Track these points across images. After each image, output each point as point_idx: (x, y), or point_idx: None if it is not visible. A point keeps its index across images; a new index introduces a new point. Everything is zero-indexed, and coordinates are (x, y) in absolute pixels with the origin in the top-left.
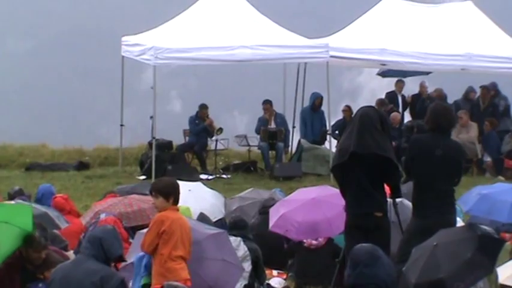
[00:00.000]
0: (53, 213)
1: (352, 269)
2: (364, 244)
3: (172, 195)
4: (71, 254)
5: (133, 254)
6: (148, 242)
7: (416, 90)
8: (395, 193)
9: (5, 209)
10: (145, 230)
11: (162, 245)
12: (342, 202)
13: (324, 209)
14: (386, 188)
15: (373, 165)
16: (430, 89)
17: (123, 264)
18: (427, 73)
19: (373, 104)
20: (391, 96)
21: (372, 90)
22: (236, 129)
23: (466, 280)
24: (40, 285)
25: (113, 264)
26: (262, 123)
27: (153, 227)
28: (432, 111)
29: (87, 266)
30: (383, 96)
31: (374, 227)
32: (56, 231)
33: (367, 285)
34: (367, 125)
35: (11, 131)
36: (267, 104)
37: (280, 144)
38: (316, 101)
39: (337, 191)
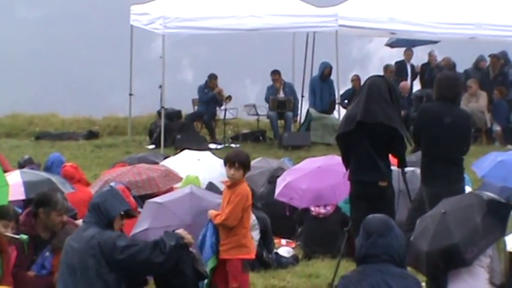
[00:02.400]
0: (58, 180)
1: (365, 239)
2: (377, 214)
3: (249, 168)
4: (80, 222)
5: (143, 223)
6: (235, 216)
7: (425, 59)
8: (401, 163)
9: None
10: (155, 199)
11: (246, 219)
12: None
13: (328, 178)
14: (394, 159)
15: (379, 135)
16: (440, 58)
17: (133, 233)
18: (436, 42)
19: (382, 71)
20: (400, 66)
21: (381, 59)
22: (247, 98)
23: (479, 244)
24: (47, 253)
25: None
26: (271, 92)
27: (240, 202)
28: (438, 80)
29: (87, 234)
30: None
31: (378, 197)
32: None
33: (380, 255)
34: (375, 94)
35: (21, 100)
36: (276, 74)
37: (289, 114)
38: (325, 71)
39: None
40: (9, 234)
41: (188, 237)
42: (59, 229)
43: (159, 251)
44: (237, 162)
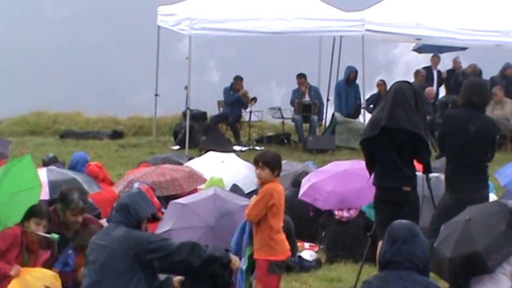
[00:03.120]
0: (84, 179)
1: (390, 245)
2: (402, 221)
3: (277, 168)
4: (104, 222)
5: (166, 224)
6: (256, 213)
7: (450, 65)
8: (426, 169)
9: (8, 179)
10: (179, 200)
11: (272, 218)
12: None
13: (352, 181)
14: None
15: (403, 141)
16: (466, 65)
17: (156, 232)
18: (464, 49)
19: (411, 76)
20: (427, 71)
21: (407, 63)
22: (272, 101)
23: (502, 252)
24: (70, 251)
25: (146, 226)
26: (297, 96)
27: (263, 199)
28: (466, 86)
29: (117, 232)
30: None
31: (402, 202)
32: (88, 199)
33: (403, 262)
34: (400, 99)
35: (46, 98)
36: (302, 77)
37: (314, 117)
38: (351, 75)
39: None
40: (40, 233)
41: (236, 263)
42: (76, 228)
43: (197, 254)
44: (260, 162)
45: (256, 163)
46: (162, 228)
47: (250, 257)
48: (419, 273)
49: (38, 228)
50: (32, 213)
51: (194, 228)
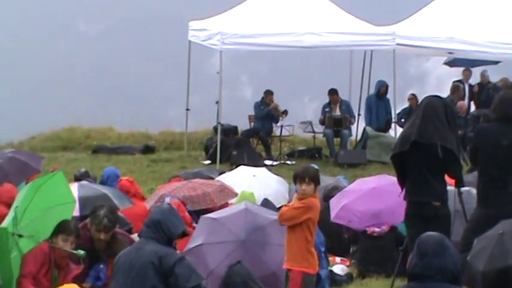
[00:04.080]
0: (114, 194)
1: (420, 258)
2: (432, 233)
3: (319, 183)
4: (135, 236)
5: (197, 238)
6: (290, 216)
7: (478, 79)
8: (458, 183)
9: (40, 195)
10: (210, 214)
11: (308, 231)
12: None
13: (385, 198)
14: (451, 179)
15: (434, 155)
16: (498, 78)
17: (187, 248)
18: (496, 62)
19: (443, 90)
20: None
21: (439, 77)
22: (305, 115)
23: None
24: (101, 266)
25: (176, 242)
26: (327, 110)
27: (303, 208)
28: (500, 100)
29: (148, 248)
30: (450, 84)
31: (433, 216)
32: (120, 214)
33: (433, 275)
34: (431, 114)
35: (78, 113)
36: (334, 94)
37: (345, 131)
38: (381, 89)
39: (395, 179)
40: (67, 249)
41: None
42: (102, 245)
43: None
44: (307, 177)
45: (302, 179)
46: (193, 242)
47: None
48: (450, 283)
49: (65, 245)
50: (60, 229)
51: (225, 243)
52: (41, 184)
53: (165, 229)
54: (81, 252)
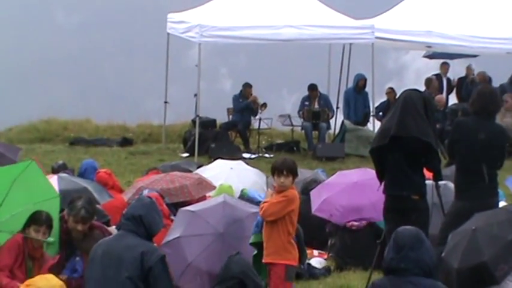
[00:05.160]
0: (95, 188)
1: (396, 252)
2: (408, 227)
3: (296, 175)
4: (112, 229)
5: (175, 231)
6: (274, 211)
7: (462, 73)
8: (437, 177)
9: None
10: (188, 207)
11: (290, 223)
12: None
13: (367, 193)
14: (429, 173)
15: (413, 149)
16: (476, 72)
17: (165, 241)
18: (475, 56)
19: (421, 83)
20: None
21: (418, 70)
22: (284, 108)
23: (509, 262)
24: (77, 258)
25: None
26: (306, 104)
27: (285, 202)
28: (478, 94)
29: (128, 241)
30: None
31: (411, 210)
32: (98, 205)
33: (411, 269)
34: (410, 108)
35: (56, 105)
36: (313, 90)
37: (323, 125)
38: (360, 82)
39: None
40: (37, 237)
41: None
42: (79, 236)
43: None
44: (285, 169)
45: (279, 171)
46: (171, 235)
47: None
48: (426, 277)
49: (37, 235)
50: (32, 220)
51: (203, 236)
52: (15, 177)
53: (147, 225)
54: (51, 239)
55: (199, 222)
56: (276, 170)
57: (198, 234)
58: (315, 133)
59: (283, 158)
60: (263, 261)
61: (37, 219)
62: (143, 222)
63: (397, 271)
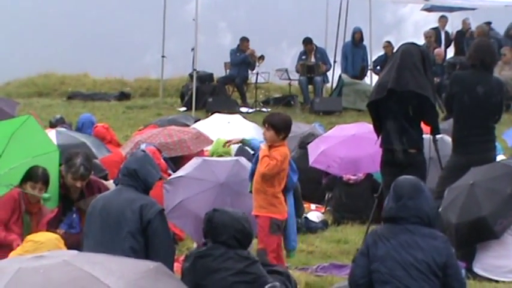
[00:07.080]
0: (93, 142)
1: (395, 201)
2: (407, 176)
3: (284, 131)
4: (110, 183)
5: (182, 171)
6: (273, 173)
7: (460, 26)
8: (434, 130)
9: (17, 143)
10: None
11: (278, 181)
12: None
13: (365, 146)
14: (426, 127)
15: (410, 103)
16: (474, 25)
17: (169, 178)
18: (473, 9)
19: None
20: (435, 32)
21: (416, 23)
22: (283, 62)
23: (508, 216)
24: (74, 216)
25: None
26: (303, 58)
27: (281, 163)
28: (476, 47)
29: (127, 195)
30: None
31: (408, 164)
32: (96, 160)
33: (409, 217)
34: (407, 62)
35: (53, 59)
36: (308, 44)
37: (318, 78)
38: (356, 35)
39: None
40: (34, 193)
41: None
42: (77, 193)
43: (169, 266)
44: (267, 123)
45: (263, 124)
46: (176, 174)
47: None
48: (426, 226)
49: (33, 191)
50: (28, 176)
51: (203, 181)
52: (13, 131)
53: (142, 178)
54: (46, 195)
55: (205, 169)
56: (262, 123)
57: (200, 178)
58: (311, 87)
59: (275, 112)
60: (252, 213)
61: (33, 175)
62: (138, 175)
63: (396, 219)
